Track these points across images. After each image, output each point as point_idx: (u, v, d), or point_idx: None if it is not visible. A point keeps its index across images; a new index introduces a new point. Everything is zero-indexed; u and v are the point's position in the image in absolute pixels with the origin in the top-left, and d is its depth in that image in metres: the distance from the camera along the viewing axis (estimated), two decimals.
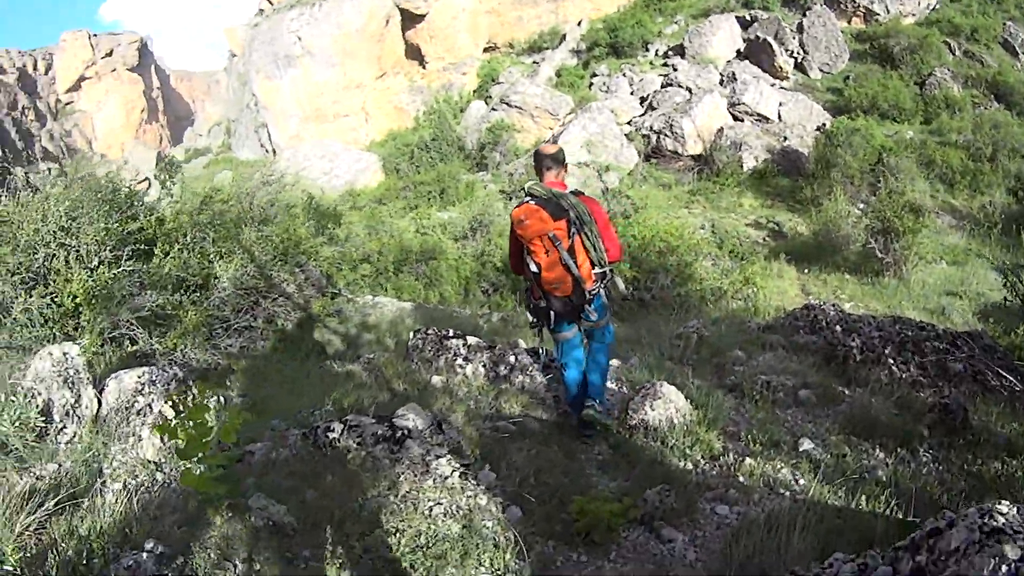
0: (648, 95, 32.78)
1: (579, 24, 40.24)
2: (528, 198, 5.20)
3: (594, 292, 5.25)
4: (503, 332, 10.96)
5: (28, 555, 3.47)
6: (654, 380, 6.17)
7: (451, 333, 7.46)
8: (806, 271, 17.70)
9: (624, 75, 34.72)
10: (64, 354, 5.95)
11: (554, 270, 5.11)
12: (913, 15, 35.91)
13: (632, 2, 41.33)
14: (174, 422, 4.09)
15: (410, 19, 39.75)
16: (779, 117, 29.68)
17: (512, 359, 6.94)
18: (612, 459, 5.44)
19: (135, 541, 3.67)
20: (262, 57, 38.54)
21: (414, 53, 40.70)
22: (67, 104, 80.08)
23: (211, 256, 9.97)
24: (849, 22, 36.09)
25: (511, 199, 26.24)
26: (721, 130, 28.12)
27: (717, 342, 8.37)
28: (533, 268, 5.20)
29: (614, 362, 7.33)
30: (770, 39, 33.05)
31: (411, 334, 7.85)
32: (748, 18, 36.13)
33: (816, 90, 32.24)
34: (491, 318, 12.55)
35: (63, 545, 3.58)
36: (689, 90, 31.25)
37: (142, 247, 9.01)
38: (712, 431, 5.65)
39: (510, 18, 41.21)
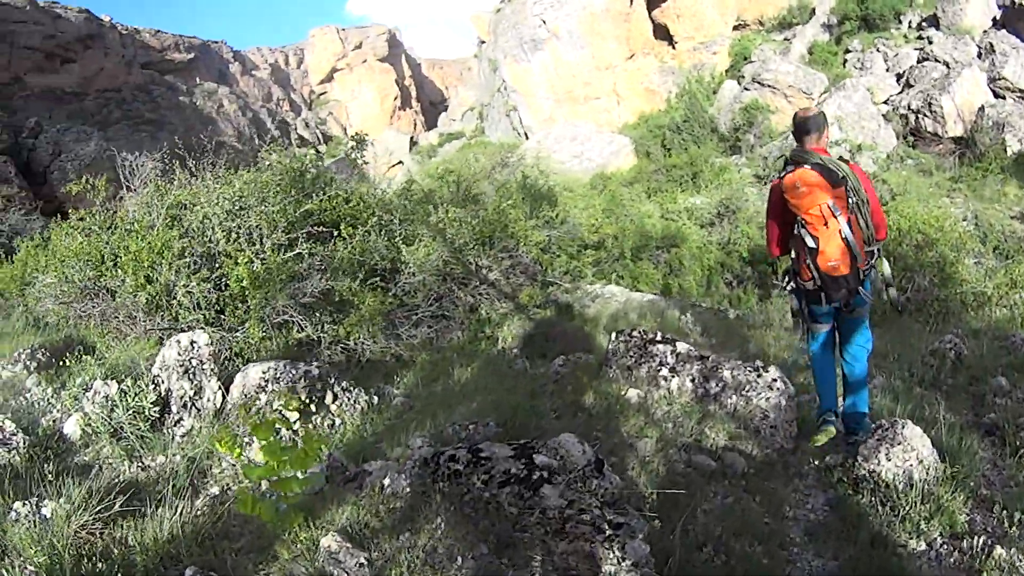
0: (904, 71, 31.91)
1: None
2: (794, 165, 4.93)
3: (866, 272, 4.92)
4: (732, 335, 10.01)
5: (70, 555, 3.30)
6: (896, 419, 5.02)
7: (659, 337, 6.54)
8: None
9: (878, 50, 33.96)
10: (192, 343, 5.79)
11: (833, 244, 4.77)
12: None
13: None
14: (247, 434, 4.00)
15: None
16: None
17: (727, 374, 5.94)
18: (827, 521, 4.49)
19: (181, 560, 3.46)
20: (508, 41, 40.32)
21: (662, 33, 41.31)
22: (321, 95, 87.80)
23: (397, 239, 9.52)
24: None
25: (765, 184, 25.84)
26: (982, 109, 26.68)
27: (977, 363, 7.21)
28: (810, 243, 4.84)
29: None
30: None
31: (612, 336, 6.82)
32: None
33: None
34: (726, 315, 11.74)
35: (106, 552, 3.45)
36: (947, 64, 30.03)
37: (327, 230, 8.71)
38: (959, 495, 4.41)
39: None
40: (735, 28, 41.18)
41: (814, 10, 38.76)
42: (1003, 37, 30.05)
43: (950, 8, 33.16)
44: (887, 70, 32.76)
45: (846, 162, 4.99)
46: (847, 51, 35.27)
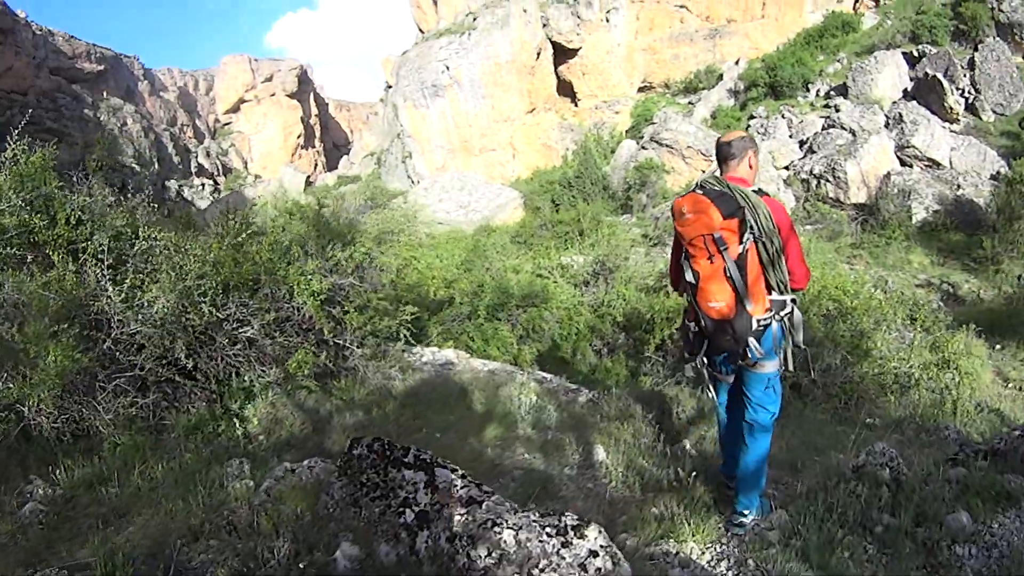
0: (808, 138, 32.45)
1: (736, 63, 40.67)
2: (696, 188, 4.47)
3: (764, 322, 4.35)
4: (577, 428, 7.51)
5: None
6: None
7: (410, 457, 4.31)
8: (998, 347, 14.64)
9: (783, 116, 34.55)
10: None
11: (715, 283, 4.31)
12: None
13: (792, 40, 41.43)
14: None
15: (563, 53, 41.14)
16: (950, 164, 28.60)
17: (510, 537, 3.62)
18: None
19: None
20: (410, 85, 40.51)
21: (566, 89, 42.03)
22: (225, 124, 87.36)
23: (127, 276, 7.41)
24: None
25: (655, 245, 26.03)
26: (888, 176, 27.19)
27: (920, 486, 4.96)
28: (689, 276, 4.43)
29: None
30: (940, 76, 31.89)
31: (348, 444, 4.55)
32: (915, 54, 35.24)
33: (989, 134, 30.86)
34: (576, 399, 8.88)
35: None
36: (852, 132, 30.66)
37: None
38: None
39: (666, 56, 42.14)
40: (640, 90, 42.14)
41: (722, 75, 39.83)
42: (913, 108, 30.82)
43: (860, 78, 34.17)
44: (791, 136, 33.42)
45: (764, 195, 4.47)
46: (751, 116, 35.96)
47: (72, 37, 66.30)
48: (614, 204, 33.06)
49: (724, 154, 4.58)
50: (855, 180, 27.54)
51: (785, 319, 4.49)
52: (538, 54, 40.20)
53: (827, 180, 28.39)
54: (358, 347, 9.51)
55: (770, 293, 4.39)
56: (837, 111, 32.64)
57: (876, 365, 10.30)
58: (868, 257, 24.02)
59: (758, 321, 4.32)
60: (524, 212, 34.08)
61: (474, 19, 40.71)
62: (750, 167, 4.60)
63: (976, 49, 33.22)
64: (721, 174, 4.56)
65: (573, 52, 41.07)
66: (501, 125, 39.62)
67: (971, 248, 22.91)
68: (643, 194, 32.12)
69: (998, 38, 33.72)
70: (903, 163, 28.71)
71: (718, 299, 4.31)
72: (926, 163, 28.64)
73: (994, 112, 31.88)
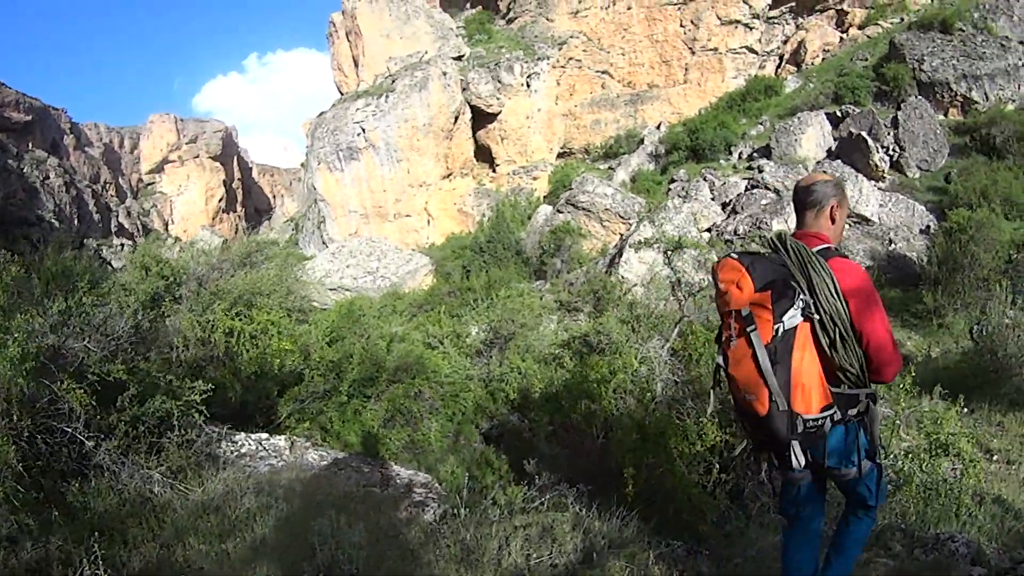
0: (731, 199, 32.71)
1: (658, 127, 41.52)
2: (734, 252, 3.89)
3: (817, 423, 3.59)
4: None
5: None
6: None
7: None
8: (967, 411, 11.68)
9: (704, 179, 34.96)
10: None
11: (744, 370, 3.66)
12: (1014, 100, 35.28)
13: (714, 104, 42.50)
14: None
15: (482, 118, 41.81)
16: (879, 220, 28.77)
17: None
18: None
19: None
20: (325, 147, 40.72)
21: (484, 154, 42.66)
22: (148, 184, 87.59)
23: None
24: (946, 113, 35.73)
25: (570, 311, 25.44)
26: None
27: None
28: (720, 360, 3.87)
29: None
30: (864, 134, 32.61)
31: None
32: (839, 114, 36.16)
33: (916, 189, 31.37)
34: (417, 517, 7.29)
35: None
36: (777, 192, 30.86)
37: None
38: None
39: (587, 122, 43.11)
40: (560, 155, 42.89)
41: (642, 140, 40.61)
42: (838, 167, 31.32)
43: (784, 139, 34.82)
44: (713, 198, 33.74)
45: (839, 256, 3.80)
46: (672, 180, 36.37)
47: (1, 84, 66.92)
48: (528, 270, 33.08)
49: (801, 201, 4.01)
50: None
51: (855, 418, 3.73)
52: (456, 118, 40.68)
53: (752, 240, 27.44)
54: (104, 438, 7.00)
55: (837, 385, 3.66)
56: (760, 172, 33.16)
57: None
58: None
59: (806, 422, 3.57)
60: (435, 279, 34.03)
61: (393, 81, 41.21)
62: (832, 221, 3.98)
63: (899, 108, 34.20)
64: (797, 227, 4.03)
65: (492, 117, 41.77)
66: (416, 190, 39.83)
67: (908, 303, 22.36)
68: (558, 259, 32.05)
69: (920, 96, 34.89)
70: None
71: (749, 392, 3.65)
72: (855, 219, 28.82)
73: (919, 168, 32.69)
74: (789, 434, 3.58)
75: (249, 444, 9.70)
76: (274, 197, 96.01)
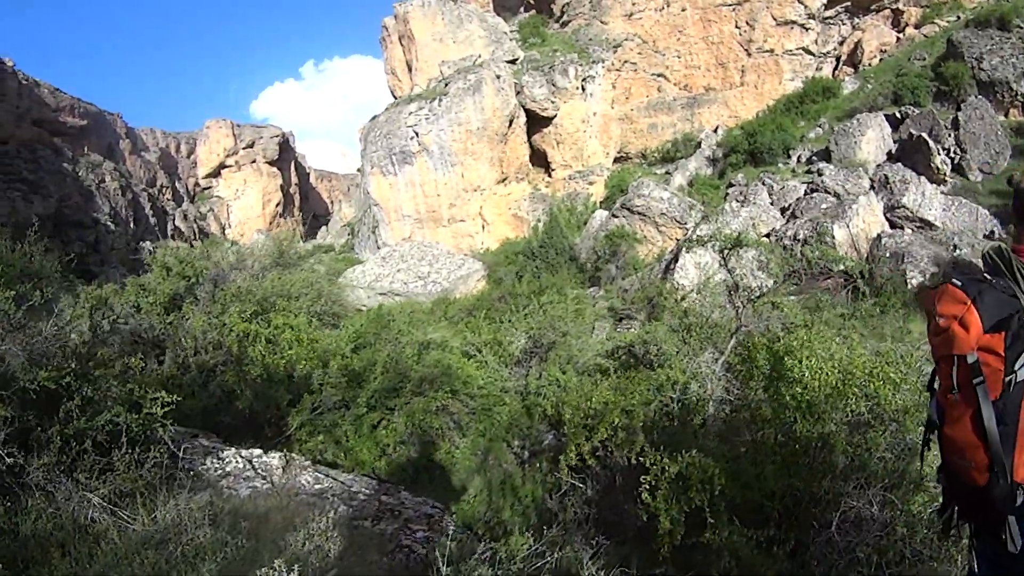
0: (790, 204, 32.34)
1: (715, 130, 41.49)
2: (955, 278, 3.17)
3: None
4: None
5: None
6: None
7: None
8: None
9: (763, 183, 34.57)
10: None
11: (962, 431, 3.04)
12: None
13: (771, 107, 42.33)
14: None
15: (536, 122, 41.98)
16: (942, 224, 28.25)
17: None
18: None
19: None
20: (378, 152, 41.07)
21: (539, 159, 42.80)
22: (205, 189, 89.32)
23: None
24: (1007, 114, 35.16)
25: (622, 319, 25.27)
26: (879, 238, 26.27)
27: None
28: (932, 411, 3.27)
29: None
30: (925, 135, 32.13)
31: None
32: (898, 116, 35.66)
33: (978, 193, 30.82)
34: None
35: None
36: (837, 195, 30.46)
37: None
38: None
39: (643, 126, 43.22)
40: (616, 160, 42.92)
41: (699, 143, 40.58)
42: (898, 170, 30.70)
43: (843, 142, 34.36)
44: (772, 203, 33.33)
45: None
46: (730, 184, 36.18)
47: (57, 90, 68.19)
48: (582, 276, 32.89)
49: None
50: (844, 244, 26.89)
51: None
52: (511, 122, 40.86)
53: (812, 246, 27.32)
54: (36, 455, 6.17)
55: None
56: (820, 175, 32.65)
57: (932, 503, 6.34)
58: (862, 328, 21.57)
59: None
60: (487, 284, 34.08)
61: (446, 85, 41.52)
62: None
63: (959, 108, 33.69)
64: (1016, 241, 3.25)
65: (547, 121, 41.89)
66: (471, 194, 40.03)
67: None
68: (612, 264, 31.86)
69: (980, 96, 34.40)
70: (893, 225, 28.51)
71: (964, 457, 3.05)
72: (918, 224, 28.46)
73: (981, 171, 32.25)
74: (1006, 507, 2.94)
75: (236, 462, 8.63)
76: (331, 202, 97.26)
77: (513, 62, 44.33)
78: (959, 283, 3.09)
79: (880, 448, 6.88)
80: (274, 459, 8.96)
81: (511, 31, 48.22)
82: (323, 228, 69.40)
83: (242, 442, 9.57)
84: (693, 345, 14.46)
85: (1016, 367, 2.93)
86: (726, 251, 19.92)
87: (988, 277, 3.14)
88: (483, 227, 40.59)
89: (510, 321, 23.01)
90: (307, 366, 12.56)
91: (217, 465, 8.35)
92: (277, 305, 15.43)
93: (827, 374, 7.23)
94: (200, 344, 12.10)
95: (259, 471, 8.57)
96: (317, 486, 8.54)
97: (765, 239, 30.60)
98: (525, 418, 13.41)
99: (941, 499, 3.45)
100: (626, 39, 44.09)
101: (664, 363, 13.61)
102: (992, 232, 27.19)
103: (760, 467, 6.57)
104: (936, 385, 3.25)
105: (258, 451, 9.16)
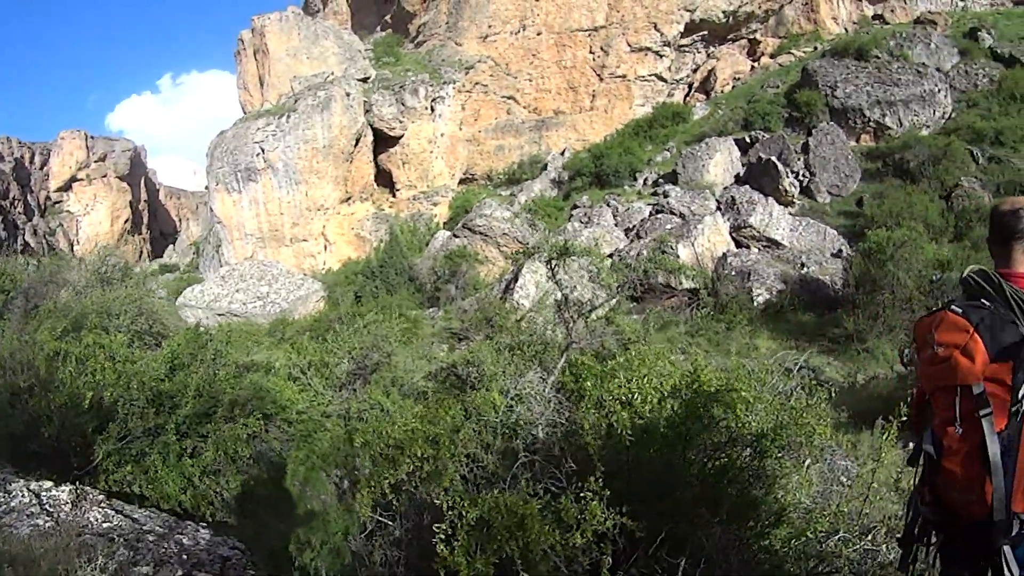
0: (635, 225, 32.71)
1: (562, 153, 42.17)
2: (951, 304, 3.13)
3: None
4: None
5: None
6: None
7: None
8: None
9: (608, 204, 35.11)
10: None
11: (964, 464, 2.96)
12: (928, 126, 36.26)
13: (620, 131, 43.29)
14: None
15: (384, 141, 41.94)
16: (789, 244, 29.07)
17: None
18: None
19: None
20: (223, 168, 40.32)
21: (385, 179, 42.68)
22: (56, 203, 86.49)
23: None
24: (858, 140, 36.60)
25: (460, 341, 24.84)
26: (724, 257, 27.04)
27: None
28: (926, 445, 3.16)
29: None
30: (774, 159, 32.93)
31: None
32: (748, 140, 36.68)
33: (826, 214, 31.91)
34: None
35: None
36: (683, 216, 30.94)
37: None
38: None
39: (490, 147, 43.68)
40: (462, 181, 43.24)
41: (546, 165, 41.23)
42: (746, 191, 31.70)
43: (691, 165, 35.15)
44: (616, 224, 33.84)
45: None
46: (575, 206, 36.67)
47: None
48: (421, 296, 32.84)
49: (1011, 230, 3.20)
50: (688, 263, 27.27)
51: None
52: (357, 140, 40.77)
53: (656, 261, 27.47)
54: None
55: None
56: (666, 197, 33.37)
57: (801, 536, 5.69)
58: (708, 344, 22.13)
59: (1022, 522, 2.91)
60: (327, 305, 33.59)
61: (295, 101, 41.16)
62: None
63: (810, 134, 35.09)
64: (998, 265, 3.24)
65: (395, 140, 41.91)
66: (314, 214, 39.68)
67: (824, 328, 22.01)
68: (452, 285, 31.90)
69: (832, 123, 36.02)
70: (740, 244, 29.34)
71: (965, 491, 2.96)
72: (765, 243, 29.35)
73: (829, 193, 33.60)
74: (1003, 538, 2.88)
75: (23, 496, 7.92)
76: (180, 220, 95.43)
77: (365, 80, 44.24)
78: (959, 310, 3.02)
79: (734, 477, 6.01)
80: (63, 493, 8.14)
81: (366, 49, 48.24)
82: (170, 247, 67.99)
83: (51, 472, 8.86)
84: (519, 365, 13.83)
85: (1021, 396, 2.85)
86: (553, 261, 20.20)
87: (987, 303, 3.03)
88: (325, 247, 40.33)
89: (335, 341, 20.87)
90: (116, 390, 11.55)
91: (2, 500, 7.63)
92: (90, 322, 14.44)
93: (663, 393, 6.59)
94: (8, 364, 11.37)
95: (46, 506, 7.80)
96: (105, 524, 7.71)
97: (608, 260, 30.25)
98: (347, 445, 11.77)
99: (904, 528, 3.42)
100: (479, 61, 44.58)
101: (488, 385, 12.88)
102: (840, 251, 28.22)
103: (584, 503, 5.44)
104: (926, 417, 3.23)
105: (48, 484, 8.38)
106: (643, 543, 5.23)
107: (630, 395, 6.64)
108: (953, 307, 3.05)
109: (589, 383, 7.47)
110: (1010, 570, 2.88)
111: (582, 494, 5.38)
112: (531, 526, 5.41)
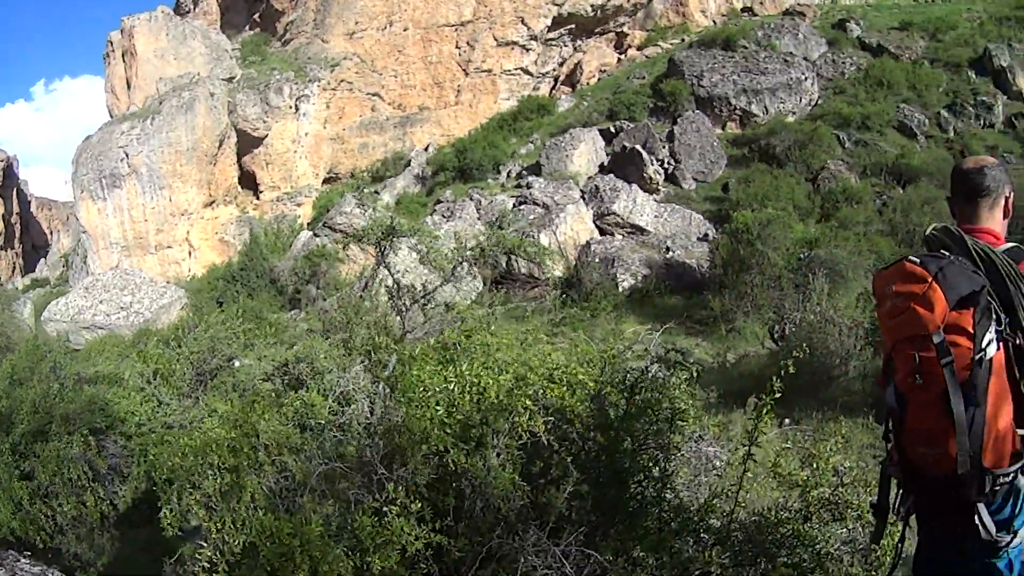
0: (497, 218, 32.43)
1: (426, 149, 43.03)
2: (911, 256, 3.17)
3: (1006, 479, 2.98)
4: None
5: None
6: None
7: None
8: (788, 423, 11.62)
9: (471, 199, 35.53)
10: None
11: (927, 417, 2.99)
12: (794, 113, 37.68)
13: (484, 125, 44.17)
14: None
15: (248, 142, 42.06)
16: (654, 230, 29.73)
17: None
18: None
19: None
20: (88, 175, 39.80)
21: (249, 181, 42.86)
22: None
23: None
24: (724, 127, 37.90)
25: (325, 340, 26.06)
26: (588, 245, 27.51)
27: None
28: (890, 399, 3.16)
29: None
30: (639, 147, 33.70)
31: None
32: (613, 130, 37.44)
33: (692, 200, 32.84)
34: None
35: None
36: (546, 206, 31.22)
37: None
38: None
39: (354, 145, 44.17)
40: (326, 181, 43.67)
41: (409, 162, 41.95)
42: (610, 180, 32.05)
43: (554, 155, 35.62)
44: (479, 217, 34.02)
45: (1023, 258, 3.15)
46: (438, 201, 37.19)
47: None
48: (283, 299, 33.13)
49: (973, 187, 3.35)
50: (551, 253, 27.06)
51: None
52: (221, 142, 40.86)
53: (520, 256, 27.37)
54: None
55: (1021, 427, 2.99)
56: (529, 188, 33.66)
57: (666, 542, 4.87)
58: (573, 333, 21.06)
59: (995, 478, 2.95)
60: (191, 313, 31.48)
61: (160, 103, 40.99)
62: (1006, 214, 3.38)
63: (675, 123, 36.21)
64: (960, 222, 3.37)
65: (259, 141, 42.13)
66: (178, 219, 39.62)
67: (692, 310, 22.39)
68: (312, 285, 32.17)
69: (699, 111, 37.10)
70: (604, 232, 29.78)
71: (933, 444, 2.97)
72: (629, 230, 29.83)
73: (695, 180, 34.51)
74: (977, 495, 2.93)
75: None
76: (51, 232, 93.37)
77: (231, 80, 44.27)
78: (916, 260, 3.06)
79: (569, 481, 4.87)
80: None
81: (233, 49, 48.17)
82: (42, 260, 66.95)
83: None
84: (343, 361, 13.09)
85: (984, 344, 2.90)
86: (381, 243, 20.33)
87: (946, 254, 3.09)
88: (190, 253, 40.29)
89: (179, 348, 19.15)
90: None
91: None
92: None
93: (487, 383, 5.55)
94: None
95: None
96: None
97: (470, 252, 31.36)
98: (191, 462, 9.51)
99: (878, 493, 3.40)
100: (345, 58, 44.96)
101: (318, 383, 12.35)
102: (706, 234, 28.94)
103: (385, 521, 4.67)
104: (890, 372, 3.18)
105: None
106: (465, 564, 4.61)
107: (456, 389, 5.70)
108: (911, 257, 3.09)
109: (422, 380, 6.14)
110: (986, 528, 2.93)
111: (384, 508, 4.68)
112: (315, 552, 4.58)
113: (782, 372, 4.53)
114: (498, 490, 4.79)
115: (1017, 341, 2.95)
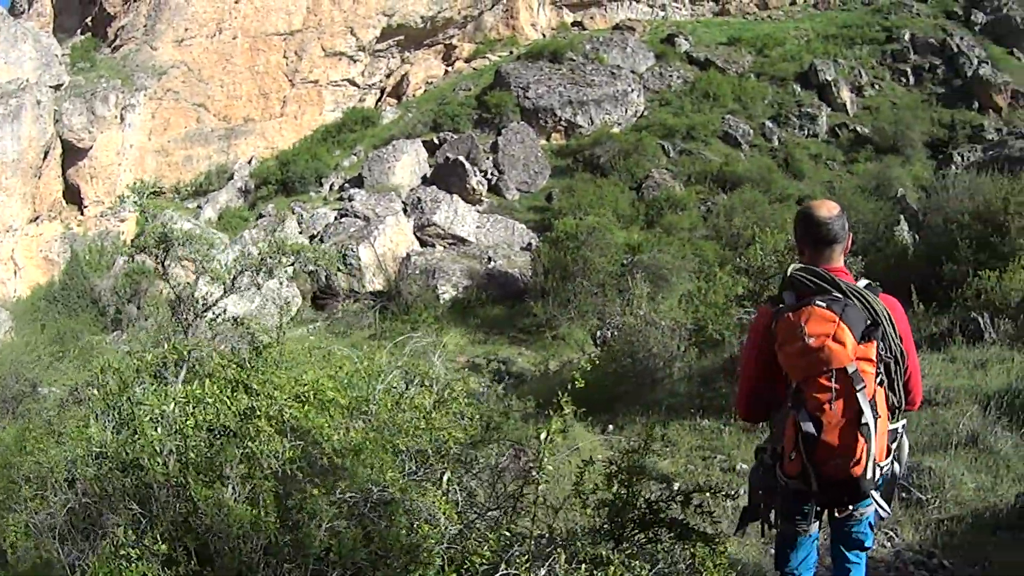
0: (319, 231, 33.45)
1: (249, 161, 43.81)
2: (798, 299, 3.61)
3: (886, 468, 3.66)
4: None
5: None
6: None
7: None
8: (611, 429, 11.50)
9: (293, 212, 36.27)
10: None
11: (842, 434, 3.40)
12: (620, 124, 38.59)
13: (308, 137, 45.01)
14: None
15: (73, 154, 41.68)
16: (477, 241, 30.44)
17: None
18: None
19: None
20: None
21: (74, 195, 42.18)
22: None
23: None
24: (549, 138, 38.47)
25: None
26: (408, 257, 27.74)
27: None
28: (807, 426, 3.43)
29: None
30: (462, 158, 34.27)
31: None
32: (436, 141, 38.22)
33: (515, 211, 33.60)
34: None
35: None
36: (367, 219, 31.64)
37: None
38: None
39: (179, 158, 44.27)
40: (150, 195, 43.55)
41: (232, 175, 42.78)
42: (431, 192, 33.02)
43: (377, 168, 36.58)
44: (301, 232, 34.53)
45: (881, 291, 3.74)
46: (260, 215, 38.03)
47: None
48: (105, 320, 33.28)
49: (834, 234, 3.73)
50: (370, 265, 27.67)
51: (895, 451, 3.75)
52: (46, 153, 40.39)
53: (338, 270, 28.13)
54: None
55: (889, 422, 3.67)
56: (351, 200, 34.35)
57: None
58: (393, 347, 20.39)
59: (881, 468, 3.58)
60: (16, 336, 32.67)
61: None
62: (844, 254, 3.83)
63: (500, 134, 36.76)
64: (819, 262, 3.76)
65: (84, 152, 41.92)
66: (3, 236, 38.64)
67: (515, 319, 22.52)
68: (133, 305, 32.42)
69: (523, 123, 37.77)
70: (425, 243, 30.20)
71: (848, 455, 3.43)
72: (450, 240, 30.20)
73: (519, 190, 34.89)
74: (872, 484, 3.50)
75: None
76: None
77: (58, 88, 43.55)
78: (823, 304, 3.45)
79: (323, 516, 4.32)
80: None
81: (63, 54, 47.21)
82: None
83: None
84: (130, 381, 11.43)
85: (879, 373, 3.48)
86: (157, 252, 19.23)
87: (839, 296, 3.53)
88: (15, 272, 39.05)
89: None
90: None
91: None
92: None
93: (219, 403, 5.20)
94: None
95: None
96: None
97: (290, 268, 30.92)
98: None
99: (748, 502, 3.93)
100: (173, 66, 45.18)
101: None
102: (530, 244, 29.41)
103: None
104: (797, 401, 3.53)
105: None
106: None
107: (176, 411, 5.37)
108: (817, 302, 3.46)
109: (214, 400, 5.30)
110: (884, 508, 3.68)
111: (121, 552, 4.20)
112: None
113: (573, 382, 4.32)
114: (235, 529, 4.28)
115: (889, 361, 3.51)
